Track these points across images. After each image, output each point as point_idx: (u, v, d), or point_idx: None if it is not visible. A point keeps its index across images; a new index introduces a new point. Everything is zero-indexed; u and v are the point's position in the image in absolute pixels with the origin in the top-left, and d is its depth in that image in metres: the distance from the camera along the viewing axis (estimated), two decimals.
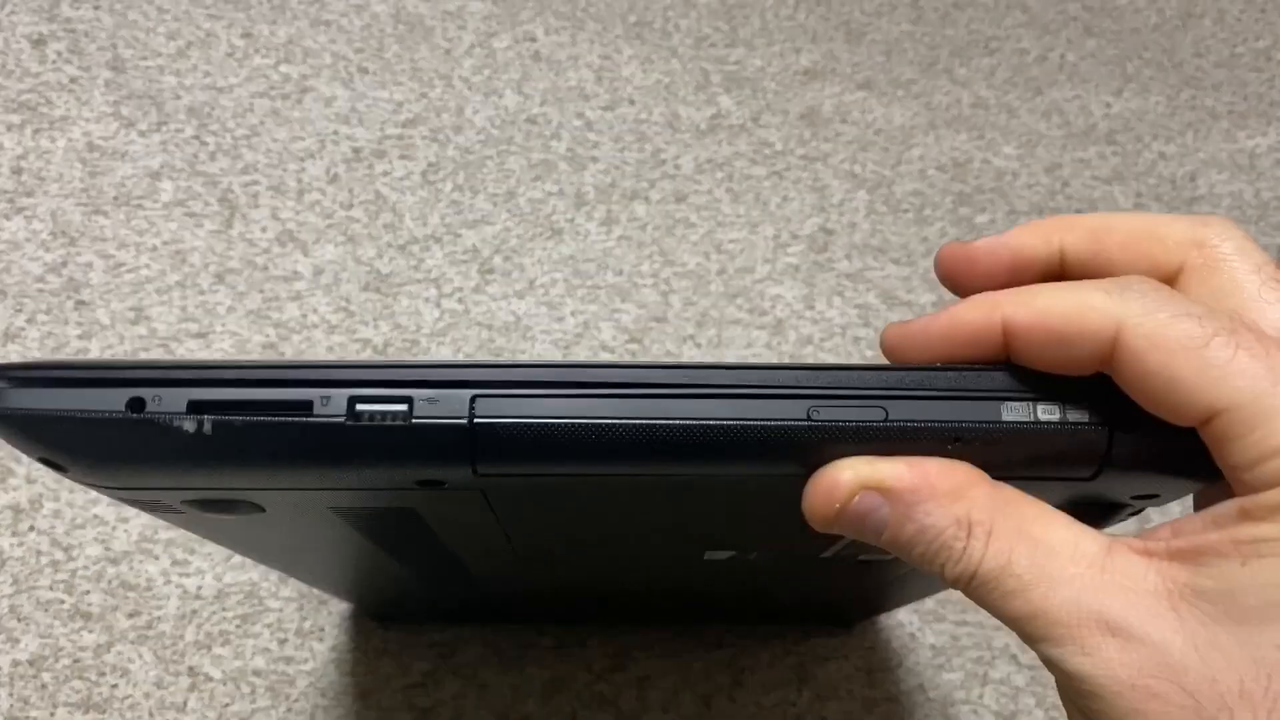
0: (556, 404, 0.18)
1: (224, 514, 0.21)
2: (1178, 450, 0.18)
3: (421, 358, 0.47)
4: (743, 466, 0.19)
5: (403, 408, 0.18)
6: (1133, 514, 0.22)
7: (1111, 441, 0.19)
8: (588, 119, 0.58)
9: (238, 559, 0.40)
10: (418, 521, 0.22)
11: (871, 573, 0.30)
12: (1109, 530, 0.23)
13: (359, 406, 0.18)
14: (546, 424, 0.18)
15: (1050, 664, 0.18)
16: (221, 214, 0.50)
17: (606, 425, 0.18)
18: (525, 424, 0.18)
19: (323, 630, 0.39)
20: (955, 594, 0.38)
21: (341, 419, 0.18)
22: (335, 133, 0.55)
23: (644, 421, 0.18)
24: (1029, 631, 0.18)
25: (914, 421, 0.18)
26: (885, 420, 0.18)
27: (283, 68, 0.57)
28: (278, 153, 0.53)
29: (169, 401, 0.18)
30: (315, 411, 0.18)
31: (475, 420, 0.18)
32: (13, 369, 0.18)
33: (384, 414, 0.18)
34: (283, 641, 0.39)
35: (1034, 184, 0.59)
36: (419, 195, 0.53)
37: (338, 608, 0.40)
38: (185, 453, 0.18)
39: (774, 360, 0.49)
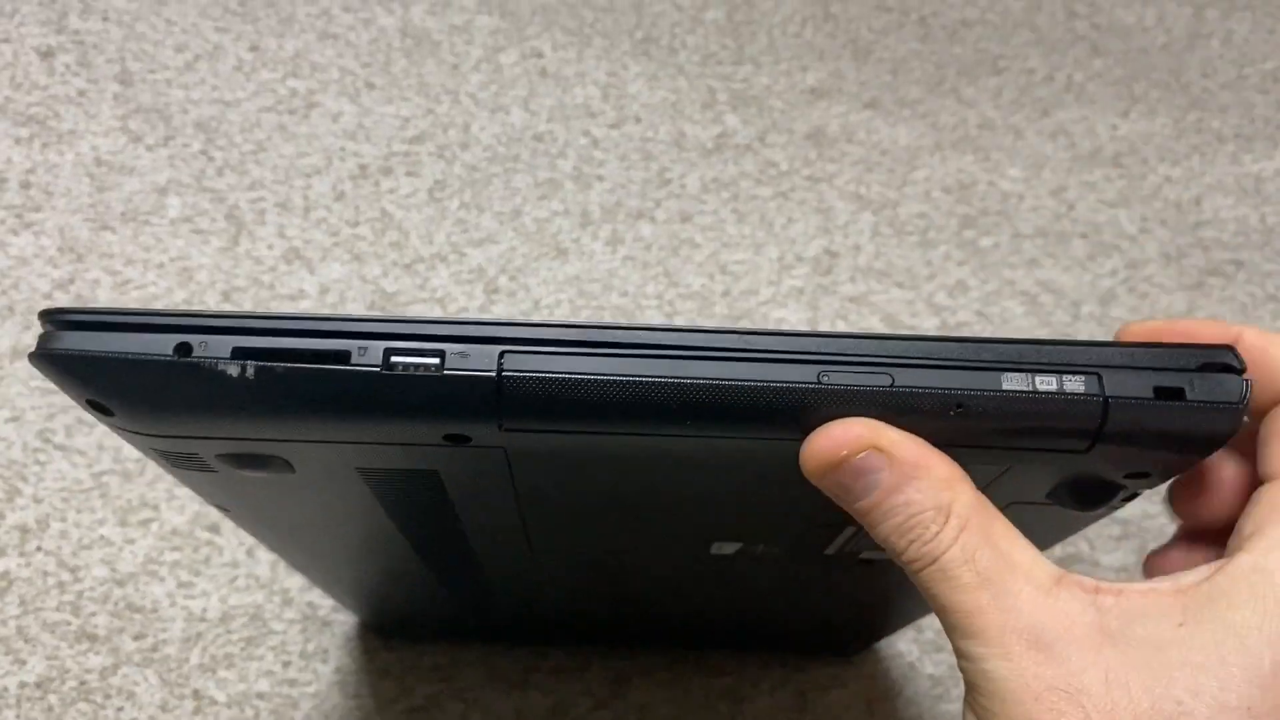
0: (580, 362, 0.19)
1: (256, 470, 0.21)
2: (1171, 425, 0.19)
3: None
4: (754, 428, 0.19)
5: (435, 360, 0.19)
6: (1127, 498, 0.23)
7: (1106, 413, 0.19)
8: (594, 137, 0.58)
9: (242, 580, 0.40)
10: (439, 489, 0.23)
11: (871, 576, 0.30)
12: (1107, 516, 0.24)
13: (394, 358, 0.18)
14: (570, 379, 0.19)
15: (968, 660, 0.19)
16: (228, 231, 0.51)
17: (628, 382, 0.19)
18: (550, 379, 0.19)
19: (326, 652, 0.40)
20: None
21: (377, 369, 0.18)
22: (342, 149, 0.55)
23: (663, 379, 0.19)
24: (964, 625, 0.19)
25: (918, 388, 0.19)
26: (891, 386, 0.19)
27: (290, 82, 0.58)
28: (284, 169, 0.54)
29: (214, 347, 0.18)
30: (353, 361, 0.18)
31: (503, 374, 0.19)
32: (63, 313, 0.19)
33: (417, 365, 0.18)
34: (286, 664, 0.39)
35: (1039, 207, 0.59)
36: (425, 213, 0.53)
37: (341, 629, 0.40)
38: (227, 398, 0.18)
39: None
